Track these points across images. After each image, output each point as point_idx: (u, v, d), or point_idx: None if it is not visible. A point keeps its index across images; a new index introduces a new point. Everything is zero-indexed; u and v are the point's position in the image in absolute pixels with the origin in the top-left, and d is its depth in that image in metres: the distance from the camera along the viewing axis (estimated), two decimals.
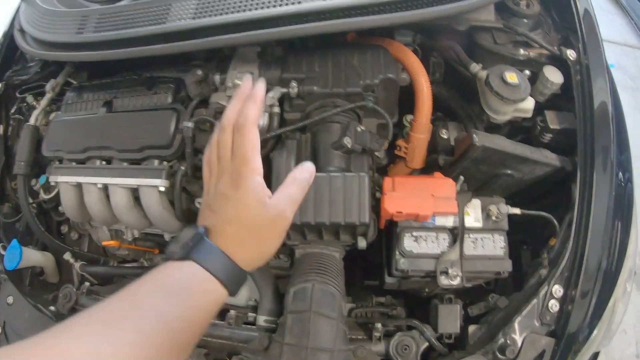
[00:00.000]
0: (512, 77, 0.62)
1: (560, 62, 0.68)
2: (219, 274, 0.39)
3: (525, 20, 0.71)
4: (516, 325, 0.57)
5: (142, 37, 0.62)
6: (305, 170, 0.50)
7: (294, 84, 0.59)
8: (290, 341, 0.51)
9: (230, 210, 0.42)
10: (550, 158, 0.64)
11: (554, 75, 0.66)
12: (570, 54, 0.67)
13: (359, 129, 0.57)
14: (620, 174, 0.73)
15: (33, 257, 0.80)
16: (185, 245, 0.39)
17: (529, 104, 0.65)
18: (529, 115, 0.67)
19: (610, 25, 2.49)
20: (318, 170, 0.57)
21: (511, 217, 0.63)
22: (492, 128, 0.72)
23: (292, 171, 0.50)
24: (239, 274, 0.42)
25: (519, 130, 0.73)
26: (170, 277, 0.37)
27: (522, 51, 0.69)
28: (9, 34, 0.95)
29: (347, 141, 0.56)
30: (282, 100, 0.62)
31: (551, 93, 0.68)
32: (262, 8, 0.56)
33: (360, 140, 0.56)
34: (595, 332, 0.60)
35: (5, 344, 0.75)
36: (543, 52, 0.69)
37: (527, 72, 0.69)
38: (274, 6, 0.56)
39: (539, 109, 0.70)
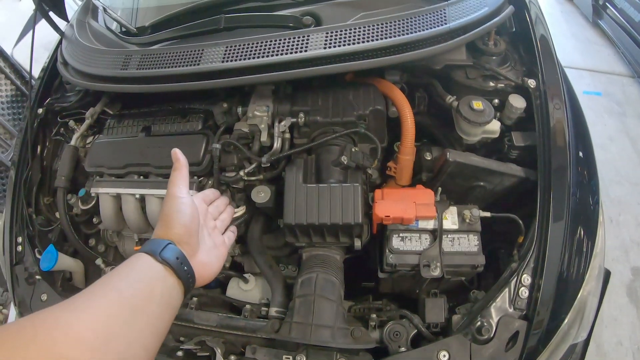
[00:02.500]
0: (477, 104, 0.87)
1: (523, 90, 0.94)
2: (172, 264, 0.55)
3: (494, 57, 0.97)
4: (492, 310, 0.77)
5: (180, 74, 0.89)
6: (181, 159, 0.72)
7: (301, 115, 0.85)
8: (297, 320, 0.73)
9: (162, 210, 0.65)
10: (515, 170, 0.88)
11: (517, 102, 0.92)
12: (531, 82, 0.93)
13: (353, 150, 0.82)
14: (585, 174, 0.96)
15: (66, 261, 1.03)
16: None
17: (495, 126, 0.90)
18: (496, 135, 0.92)
19: (597, 56, 2.86)
20: (321, 182, 0.81)
21: (490, 227, 0.85)
22: (471, 149, 0.97)
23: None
24: (167, 246, 0.57)
25: (493, 151, 0.98)
26: (129, 267, 0.54)
27: (490, 83, 0.95)
28: (49, 67, 1.24)
29: (344, 159, 0.81)
30: (292, 128, 0.88)
31: (517, 117, 0.94)
32: (276, 55, 0.83)
33: (355, 158, 0.81)
34: (566, 320, 0.81)
35: None
36: (509, 82, 0.95)
37: (496, 100, 0.95)
38: (286, 54, 0.83)
39: (508, 130, 0.95)
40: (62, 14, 1.21)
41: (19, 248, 1.03)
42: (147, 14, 1.20)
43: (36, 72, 1.31)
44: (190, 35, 0.98)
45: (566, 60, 2.76)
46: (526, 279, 0.79)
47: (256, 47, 0.85)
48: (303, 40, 0.84)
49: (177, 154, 0.70)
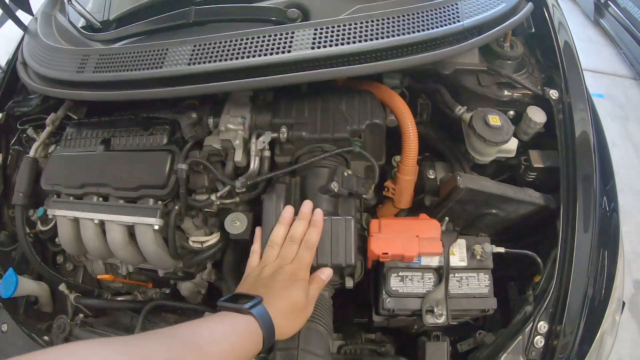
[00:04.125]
0: (494, 119, 0.65)
1: (543, 102, 0.72)
2: (265, 331, 0.48)
3: (509, 62, 0.75)
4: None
5: (140, 80, 0.66)
6: (323, 275, 0.58)
7: (283, 129, 0.63)
8: None
9: (285, 292, 0.53)
10: (534, 197, 0.67)
11: (537, 115, 0.70)
12: (553, 93, 0.71)
13: (345, 174, 0.61)
14: (605, 204, 0.76)
15: (28, 286, 0.83)
16: (245, 303, 0.49)
17: (512, 144, 0.69)
18: (513, 155, 0.71)
19: (599, 56, 2.57)
20: None
21: (498, 254, 0.66)
22: (479, 167, 0.76)
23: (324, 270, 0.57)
24: (272, 339, 0.50)
25: (505, 168, 0.77)
26: (228, 324, 0.46)
27: (506, 92, 0.73)
28: (12, 64, 1.00)
29: (334, 186, 0.59)
30: (272, 144, 0.66)
31: (535, 132, 0.72)
32: (255, 56, 0.60)
33: (347, 184, 0.60)
34: None
35: None
36: (527, 92, 0.73)
37: (512, 112, 0.74)
38: (266, 55, 0.60)
39: (523, 147, 0.74)
40: (25, 7, 0.97)
41: None
42: (121, 5, 0.95)
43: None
44: (157, 30, 0.74)
45: None
46: (543, 326, 0.61)
47: (230, 46, 0.62)
48: (287, 38, 0.61)
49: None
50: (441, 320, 0.60)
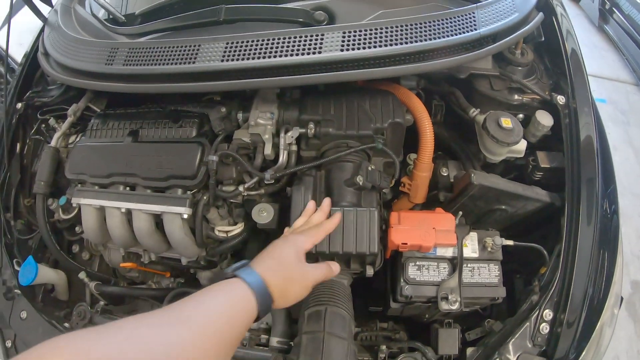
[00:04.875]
0: (507, 122, 0.73)
1: (550, 107, 0.80)
2: (255, 289, 0.50)
3: (519, 68, 0.83)
4: (510, 346, 0.66)
5: (172, 74, 0.71)
6: (335, 267, 0.63)
7: (311, 125, 0.70)
8: (306, 359, 0.60)
9: (273, 251, 0.57)
10: (541, 195, 0.75)
11: (544, 119, 0.78)
12: (560, 99, 0.79)
13: (369, 169, 0.67)
14: (607, 206, 0.85)
15: (47, 274, 0.87)
16: (234, 269, 0.53)
17: (522, 145, 0.76)
18: (522, 155, 0.78)
19: (602, 61, 2.70)
20: (332, 205, 0.66)
21: (506, 248, 0.74)
22: (488, 166, 0.84)
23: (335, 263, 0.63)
24: (268, 299, 0.52)
25: (513, 168, 0.84)
26: (219, 291, 0.49)
27: (516, 97, 0.81)
28: (30, 56, 1.04)
29: (360, 179, 0.66)
30: (299, 139, 0.72)
31: (542, 134, 0.80)
32: (286, 56, 0.67)
33: (371, 178, 0.66)
34: (584, 353, 0.70)
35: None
36: (535, 97, 0.81)
37: (521, 115, 0.81)
38: (297, 55, 0.66)
39: (531, 148, 0.81)
40: None
41: None
42: (140, 1, 1.00)
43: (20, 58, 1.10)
44: (185, 27, 0.80)
45: None
46: (548, 314, 0.68)
47: (262, 44, 0.68)
48: (317, 40, 0.67)
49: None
50: (455, 306, 0.67)
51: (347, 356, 0.60)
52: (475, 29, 0.71)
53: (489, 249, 0.71)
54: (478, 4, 0.75)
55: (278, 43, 0.67)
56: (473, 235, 0.73)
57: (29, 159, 0.98)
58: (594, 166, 0.74)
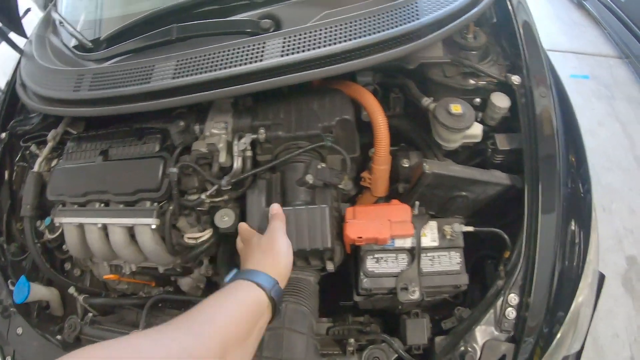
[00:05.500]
0: (456, 107, 0.78)
1: (507, 88, 0.84)
2: (267, 289, 0.57)
3: (474, 52, 0.87)
4: (476, 333, 0.70)
5: (131, 95, 0.81)
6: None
7: (262, 130, 0.77)
8: (267, 354, 0.67)
9: (271, 248, 0.65)
10: (500, 177, 0.79)
11: (500, 101, 0.82)
12: (515, 79, 0.83)
13: (319, 167, 0.74)
14: (580, 185, 0.88)
15: (40, 291, 0.98)
16: (235, 275, 0.61)
17: (476, 129, 0.81)
18: (478, 139, 0.83)
19: (584, 38, 2.70)
20: (286, 204, 0.74)
21: (478, 235, 0.78)
22: (452, 154, 0.88)
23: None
24: (279, 293, 0.59)
25: (476, 153, 0.88)
26: (226, 293, 0.56)
27: (471, 81, 0.85)
28: (11, 86, 1.17)
29: (309, 178, 0.72)
30: (254, 144, 0.79)
31: (501, 117, 0.84)
32: (231, 67, 0.74)
33: (321, 176, 0.73)
34: (558, 335, 0.74)
35: None
36: (491, 79, 0.85)
37: (478, 99, 0.86)
38: (241, 65, 0.74)
39: (493, 132, 0.85)
40: (19, 31, 1.14)
41: None
42: (110, 24, 1.11)
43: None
44: (145, 48, 0.89)
45: (551, 43, 2.60)
46: (513, 298, 0.72)
47: (208, 59, 0.76)
48: (259, 48, 0.74)
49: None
50: (415, 296, 0.72)
51: (307, 350, 0.67)
52: (418, 19, 0.76)
53: (449, 237, 0.76)
54: None
55: (223, 55, 0.75)
56: (432, 224, 0.78)
57: (18, 185, 1.10)
58: (553, 144, 0.77)
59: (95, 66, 0.93)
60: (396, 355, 0.74)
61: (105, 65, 0.91)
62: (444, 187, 0.79)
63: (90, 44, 1.01)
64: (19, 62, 1.14)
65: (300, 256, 0.74)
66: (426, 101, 0.82)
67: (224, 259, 0.87)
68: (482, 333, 0.71)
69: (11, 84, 1.18)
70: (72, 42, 1.08)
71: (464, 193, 0.81)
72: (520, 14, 0.89)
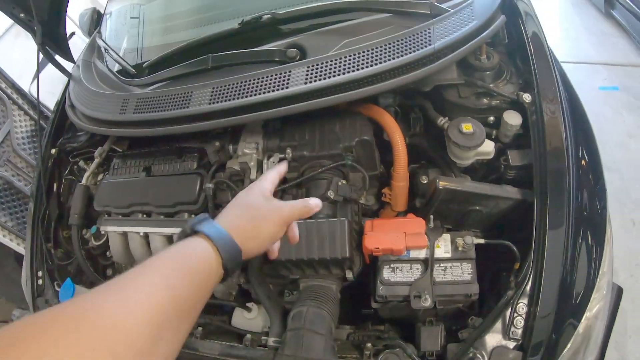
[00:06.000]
0: (467, 127, 0.88)
1: (519, 106, 0.93)
2: (218, 244, 0.51)
3: (487, 73, 0.97)
4: (486, 340, 0.79)
5: (171, 118, 0.97)
6: (313, 201, 0.70)
7: (289, 150, 0.91)
8: (288, 352, 0.79)
9: (237, 200, 0.61)
10: (511, 192, 0.88)
11: (512, 119, 0.92)
12: (526, 97, 0.92)
13: (340, 183, 0.86)
14: (597, 202, 0.95)
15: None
16: (193, 223, 0.54)
17: (488, 147, 0.91)
18: (490, 157, 0.92)
19: (613, 48, 2.74)
20: (310, 218, 0.86)
21: (495, 249, 0.86)
22: (469, 170, 0.98)
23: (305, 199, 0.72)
24: (236, 251, 0.53)
25: (493, 170, 0.98)
26: (177, 253, 0.50)
27: (484, 100, 0.95)
28: (60, 106, 1.37)
29: (330, 193, 0.85)
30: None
31: (513, 134, 0.93)
32: (260, 94, 0.88)
33: (341, 192, 0.85)
34: (568, 345, 0.81)
35: None
36: (503, 99, 0.95)
37: (492, 118, 0.96)
38: (269, 92, 0.88)
39: (507, 148, 0.95)
40: (67, 56, 1.34)
41: (40, 281, 1.16)
42: (150, 53, 1.29)
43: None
44: (183, 75, 1.05)
45: (580, 56, 2.66)
46: (522, 307, 0.79)
47: (240, 86, 0.91)
48: (284, 77, 0.89)
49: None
50: (427, 304, 0.82)
51: (325, 350, 0.79)
52: (430, 44, 0.88)
53: (461, 249, 0.86)
54: (435, 19, 0.92)
55: (253, 83, 0.90)
56: (446, 237, 0.88)
57: (65, 196, 1.28)
58: (563, 160, 0.85)
59: (139, 91, 1.10)
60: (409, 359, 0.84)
61: (147, 90, 1.08)
62: (458, 201, 0.89)
63: (133, 70, 1.19)
64: (67, 84, 1.34)
65: (321, 265, 0.86)
66: (441, 121, 0.93)
67: (253, 269, 1.00)
68: (491, 340, 0.79)
69: (60, 104, 1.38)
70: (116, 67, 1.27)
71: (477, 207, 0.90)
72: (529, 25, 0.98)
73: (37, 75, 1.27)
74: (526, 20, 1.00)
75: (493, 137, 0.96)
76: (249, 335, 0.94)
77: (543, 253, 0.81)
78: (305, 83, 0.86)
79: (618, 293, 0.99)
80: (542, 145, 0.87)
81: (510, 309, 0.81)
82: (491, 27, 0.92)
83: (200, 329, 0.98)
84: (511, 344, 0.79)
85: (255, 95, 0.89)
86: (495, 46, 1.02)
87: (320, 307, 0.84)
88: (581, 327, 0.83)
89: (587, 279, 0.86)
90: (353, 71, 0.86)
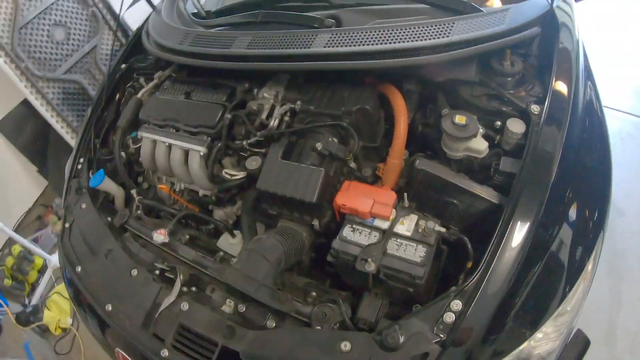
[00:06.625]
0: (460, 119, 0.98)
1: (527, 116, 1.00)
2: None
3: (509, 79, 1.05)
4: (410, 323, 0.83)
5: (213, 54, 1.22)
6: None
7: (299, 102, 1.10)
8: (237, 266, 0.97)
9: None
10: (489, 194, 0.96)
11: (515, 127, 0.99)
12: (535, 108, 0.98)
13: (330, 139, 1.03)
14: (589, 234, 0.97)
15: (110, 185, 1.44)
16: None
17: (480, 145, 1.00)
18: (481, 155, 1.01)
19: None
20: (298, 162, 1.04)
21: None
22: (469, 170, 1.04)
23: None
24: None
25: (484, 170, 1.05)
26: None
27: (494, 104, 1.04)
28: (138, 32, 1.72)
29: (318, 145, 1.02)
30: (293, 113, 1.12)
31: (515, 142, 1.00)
32: (287, 48, 1.09)
33: (329, 146, 1.02)
34: None
35: (67, 237, 1.33)
36: (514, 106, 1.02)
37: (498, 122, 1.04)
38: (294, 48, 1.08)
39: (505, 154, 1.01)
40: None
41: (79, 166, 1.48)
42: (222, 2, 1.59)
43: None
44: (237, 24, 1.31)
45: None
46: (456, 304, 0.83)
47: (273, 39, 1.12)
48: (310, 38, 1.08)
49: None
50: (370, 269, 0.92)
51: (267, 275, 0.93)
52: (448, 36, 1.00)
53: (421, 231, 0.96)
54: (461, 15, 1.04)
55: (284, 39, 1.11)
56: (413, 217, 0.99)
57: (123, 106, 1.62)
58: (547, 178, 0.90)
59: (200, 29, 1.38)
60: (341, 318, 0.92)
61: (207, 30, 1.36)
62: (435, 188, 1.00)
63: (204, 13, 1.48)
64: (149, 16, 1.69)
65: (293, 206, 1.03)
66: (445, 112, 1.05)
67: (246, 201, 1.21)
68: (416, 325, 0.83)
69: (138, 31, 1.73)
70: (192, 9, 1.58)
71: (455, 201, 1.00)
72: (564, 39, 1.04)
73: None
74: (561, 33, 1.06)
75: (496, 142, 1.04)
76: (221, 253, 1.15)
77: (495, 256, 0.86)
78: (324, 47, 1.04)
79: (584, 345, 0.99)
80: (531, 159, 0.92)
81: (444, 301, 0.83)
82: (516, 35, 1.00)
83: (187, 236, 1.21)
84: (434, 337, 0.82)
85: (282, 48, 1.09)
86: (527, 56, 1.09)
87: (279, 242, 1.01)
88: (519, 352, 0.85)
89: (538, 309, 0.88)
90: (365, 45, 1.01)
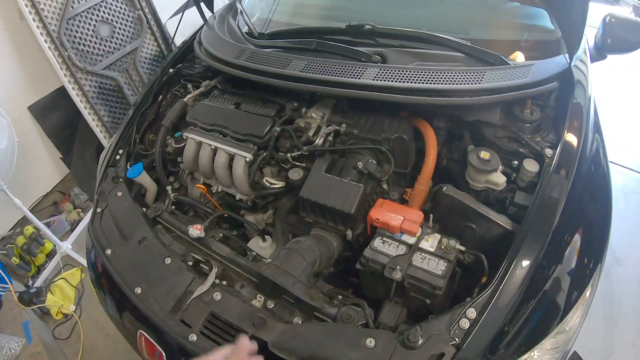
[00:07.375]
0: (485, 154, 1.25)
1: (541, 158, 1.26)
2: None
3: (527, 125, 1.33)
4: (430, 326, 1.05)
5: (270, 73, 1.48)
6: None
7: (343, 125, 1.36)
8: (276, 263, 1.20)
9: None
10: (504, 222, 1.21)
11: (530, 166, 1.26)
12: (548, 152, 1.25)
13: (370, 161, 1.28)
14: (589, 265, 1.22)
15: (146, 179, 1.66)
16: None
17: (498, 179, 1.26)
18: (499, 188, 1.27)
19: None
20: (340, 177, 1.28)
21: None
22: (487, 202, 1.30)
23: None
24: None
25: (501, 202, 1.31)
26: None
27: (514, 145, 1.31)
28: (187, 42, 2.00)
29: (359, 164, 1.27)
30: (336, 135, 1.38)
31: (529, 180, 1.27)
32: (339, 77, 1.36)
33: (368, 167, 1.27)
34: None
35: (98, 222, 1.51)
36: (531, 149, 1.29)
37: (515, 162, 1.30)
38: (345, 77, 1.35)
39: (520, 190, 1.27)
40: (210, 6, 1.98)
41: (118, 156, 1.70)
42: (273, 26, 1.87)
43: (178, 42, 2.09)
44: (292, 48, 1.58)
45: None
46: (471, 312, 1.03)
47: (327, 67, 1.39)
48: (360, 70, 1.35)
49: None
50: (397, 276, 1.16)
51: (303, 273, 1.16)
52: (479, 83, 1.27)
53: (444, 248, 1.21)
54: (492, 66, 1.32)
55: (337, 68, 1.38)
56: (436, 236, 1.23)
57: (164, 109, 1.88)
58: (553, 215, 1.15)
59: (252, 47, 1.65)
60: (364, 321, 1.14)
61: (261, 50, 1.63)
62: (457, 212, 1.25)
63: (256, 34, 1.76)
64: (201, 28, 1.96)
65: (330, 215, 1.27)
66: (471, 148, 1.31)
67: (281, 209, 1.44)
68: (435, 328, 1.02)
69: (188, 41, 2.01)
70: (245, 29, 1.86)
71: (473, 225, 1.25)
72: (578, 95, 1.32)
73: (183, 10, 1.91)
74: (576, 89, 1.34)
75: (512, 178, 1.30)
76: (253, 253, 1.38)
77: (504, 277, 1.10)
78: (373, 80, 1.31)
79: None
80: (542, 196, 1.18)
81: (460, 309, 1.04)
82: (537, 88, 1.28)
83: (221, 235, 1.43)
84: (449, 340, 1.01)
85: (334, 76, 1.36)
86: (545, 107, 1.37)
87: (316, 245, 1.24)
88: None
89: (540, 325, 1.11)
90: (408, 82, 1.29)
